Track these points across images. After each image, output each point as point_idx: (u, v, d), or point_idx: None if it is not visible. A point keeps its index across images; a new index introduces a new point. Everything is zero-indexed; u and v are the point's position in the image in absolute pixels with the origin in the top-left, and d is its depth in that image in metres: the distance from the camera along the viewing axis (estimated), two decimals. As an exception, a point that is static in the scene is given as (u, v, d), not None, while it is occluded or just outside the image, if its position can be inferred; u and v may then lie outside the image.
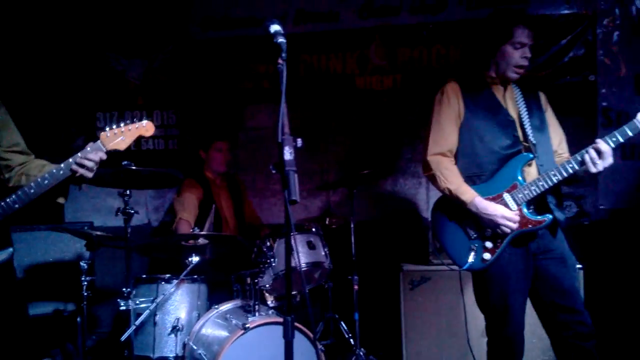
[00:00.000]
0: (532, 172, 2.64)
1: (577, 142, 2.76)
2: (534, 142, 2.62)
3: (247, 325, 3.03)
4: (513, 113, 2.69)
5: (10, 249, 2.40)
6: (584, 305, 2.65)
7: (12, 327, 2.36)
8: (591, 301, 3.45)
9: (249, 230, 4.21)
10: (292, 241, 3.41)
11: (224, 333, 3.17)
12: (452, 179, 2.68)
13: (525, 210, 2.59)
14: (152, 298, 3.33)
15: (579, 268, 3.47)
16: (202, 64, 4.67)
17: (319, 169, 4.56)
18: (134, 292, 3.30)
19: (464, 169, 2.71)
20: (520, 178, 2.61)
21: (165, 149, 4.73)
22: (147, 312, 3.23)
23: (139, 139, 4.58)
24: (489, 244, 2.63)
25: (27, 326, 2.46)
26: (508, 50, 2.63)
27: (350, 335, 3.82)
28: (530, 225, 2.58)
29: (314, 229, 3.66)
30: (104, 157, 2.43)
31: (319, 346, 3.20)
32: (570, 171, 2.52)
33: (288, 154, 1.74)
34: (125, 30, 4.70)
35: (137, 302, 3.26)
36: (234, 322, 3.19)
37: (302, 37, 4.46)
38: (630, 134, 2.47)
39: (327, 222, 3.98)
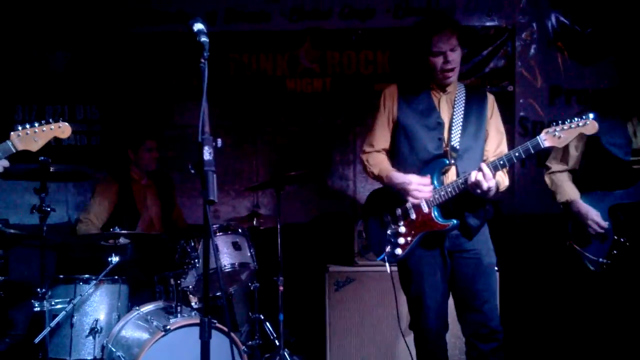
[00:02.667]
0: (451, 177, 2.72)
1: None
2: (457, 147, 2.69)
3: (167, 327, 2.98)
4: (445, 116, 2.75)
5: None
6: (493, 309, 2.74)
7: None
8: (505, 301, 3.63)
9: (175, 232, 4.13)
10: (217, 242, 3.48)
11: (144, 335, 3.10)
12: (376, 163, 2.84)
13: (434, 213, 2.69)
14: (69, 299, 3.22)
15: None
16: (129, 59, 4.54)
17: (248, 169, 4.55)
18: (49, 292, 3.18)
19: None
20: (435, 182, 2.70)
21: (88, 145, 4.58)
22: (62, 313, 3.12)
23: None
24: (401, 240, 2.73)
25: None
26: (431, 60, 2.71)
27: (275, 336, 3.83)
28: (435, 228, 2.68)
29: (240, 230, 3.64)
30: (7, 165, 2.32)
31: (242, 347, 3.19)
32: (463, 186, 2.61)
33: (207, 154, 1.73)
34: (49, 21, 4.50)
35: (53, 303, 3.14)
36: (154, 323, 3.13)
37: (233, 36, 4.43)
38: (513, 161, 2.56)
39: (254, 223, 3.97)
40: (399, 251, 2.73)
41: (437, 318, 2.76)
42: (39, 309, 3.02)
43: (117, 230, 3.35)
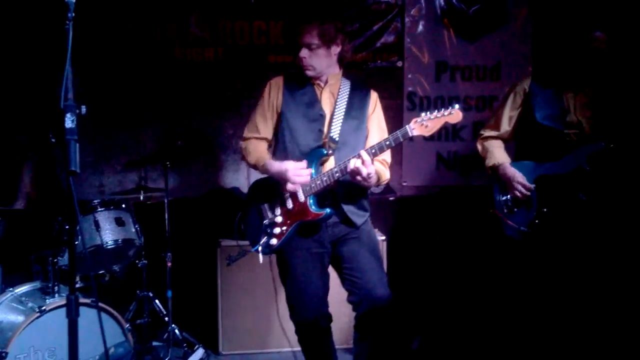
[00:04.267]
0: (329, 166, 2.74)
1: (388, 123, 2.93)
2: (336, 139, 2.73)
3: (43, 308, 2.84)
4: (327, 109, 2.79)
5: None
6: (377, 280, 2.76)
7: None
8: (393, 270, 3.77)
9: (54, 207, 3.88)
10: (99, 218, 3.32)
11: (18, 317, 2.93)
12: (253, 152, 2.84)
13: (310, 201, 2.70)
14: None
15: (382, 240, 3.76)
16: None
17: (135, 142, 4.34)
18: None
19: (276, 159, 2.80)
20: (313, 172, 2.71)
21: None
22: None
23: None
24: (277, 230, 2.75)
25: None
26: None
27: (164, 313, 3.74)
28: (310, 217, 2.70)
29: (123, 205, 3.49)
30: None
31: (126, 325, 3.09)
32: (338, 174, 2.65)
33: (69, 122, 1.60)
34: None
35: None
36: (29, 304, 2.97)
37: (120, 1, 4.18)
38: (384, 148, 2.61)
39: (141, 199, 3.82)
40: (274, 241, 2.74)
41: (315, 309, 2.76)
42: None
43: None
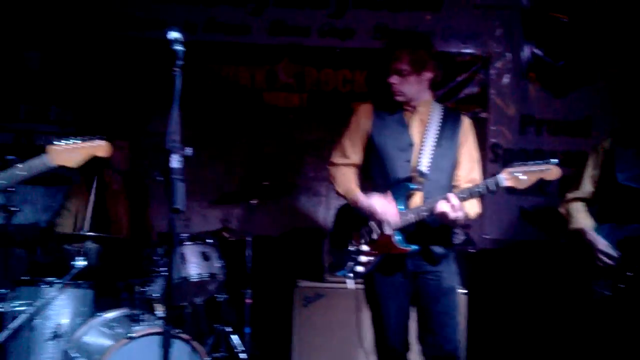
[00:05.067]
0: (417, 201, 2.71)
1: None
2: (425, 171, 2.68)
3: (131, 335, 2.96)
4: (416, 137, 2.75)
5: None
6: (451, 333, 2.72)
7: None
8: (474, 325, 3.69)
9: (144, 239, 4.10)
10: (186, 251, 3.47)
11: (107, 342, 3.07)
12: (343, 182, 2.83)
13: (396, 237, 2.68)
14: (30, 302, 3.17)
15: (464, 293, 3.69)
16: (107, 62, 4.53)
17: (220, 180, 4.55)
18: (11, 294, 3.12)
19: (362, 189, 2.82)
20: (400, 206, 2.68)
21: (61, 148, 4.52)
22: (23, 316, 3.07)
23: (31, 133, 4.47)
24: (363, 258, 2.74)
25: None
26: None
27: (242, 349, 3.81)
28: (395, 252, 2.69)
29: (209, 241, 3.64)
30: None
31: (207, 358, 3.18)
32: (425, 214, 2.62)
33: (175, 162, 1.74)
34: (25, 19, 4.48)
35: (14, 304, 3.09)
36: (118, 330, 3.11)
37: (212, 46, 4.46)
38: (481, 192, 2.57)
39: (225, 235, 3.97)
40: (360, 268, 2.75)
41: (397, 338, 2.77)
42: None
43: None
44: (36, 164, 2.25)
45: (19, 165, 2.23)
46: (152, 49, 4.48)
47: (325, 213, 4.49)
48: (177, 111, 1.84)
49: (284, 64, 4.51)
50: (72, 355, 3.12)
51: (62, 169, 3.07)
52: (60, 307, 3.29)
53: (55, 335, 3.20)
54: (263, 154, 4.53)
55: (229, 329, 3.85)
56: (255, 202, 3.85)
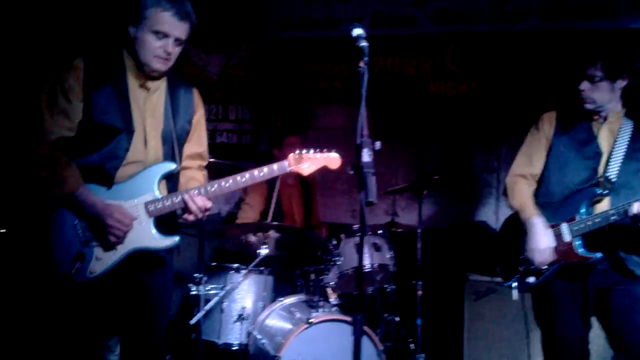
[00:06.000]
0: (603, 208, 2.56)
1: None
2: (613, 180, 2.55)
3: (310, 320, 3.10)
4: (604, 147, 2.62)
5: (177, 238, 2.39)
6: None
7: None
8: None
9: (313, 229, 4.28)
10: (358, 242, 3.54)
11: (287, 325, 3.25)
12: (519, 197, 2.75)
13: (576, 242, 2.56)
14: (221, 286, 3.46)
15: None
16: (278, 62, 4.79)
17: (387, 172, 4.58)
18: (205, 279, 3.41)
19: (538, 195, 2.73)
20: (582, 211, 2.57)
21: (238, 144, 4.88)
22: (216, 298, 3.36)
23: (214, 131, 4.87)
24: (534, 268, 2.65)
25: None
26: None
27: (410, 339, 3.82)
28: (575, 260, 2.55)
29: (380, 231, 3.69)
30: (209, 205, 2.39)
31: (380, 347, 3.23)
32: (614, 217, 2.45)
33: (367, 156, 1.78)
34: (206, 26, 4.85)
35: (208, 288, 3.39)
36: (297, 315, 3.27)
37: (378, 40, 4.49)
38: None
39: (391, 227, 4.00)
40: (531, 279, 2.65)
41: (574, 354, 2.60)
42: (195, 292, 3.26)
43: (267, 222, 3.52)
44: (276, 168, 2.48)
45: (264, 168, 2.44)
46: (318, 47, 4.65)
47: (496, 204, 4.33)
48: (365, 106, 1.86)
49: (450, 52, 4.42)
50: (256, 335, 3.36)
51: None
52: (245, 292, 3.57)
53: (241, 317, 3.47)
54: (430, 145, 4.48)
55: (398, 319, 3.88)
56: (425, 193, 3.82)
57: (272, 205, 3.82)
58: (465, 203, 4.45)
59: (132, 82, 2.35)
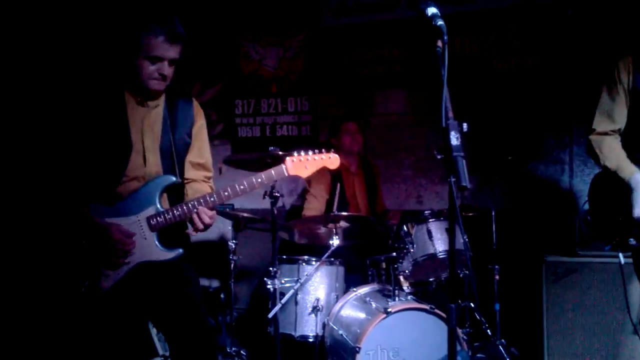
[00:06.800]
0: None
1: None
2: None
3: (388, 310, 3.06)
4: None
5: (180, 250, 2.45)
6: None
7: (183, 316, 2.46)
8: None
9: (378, 217, 4.21)
10: (431, 228, 3.47)
11: (364, 316, 3.22)
12: (613, 156, 2.64)
13: None
14: (294, 278, 3.46)
15: None
16: (334, 51, 4.73)
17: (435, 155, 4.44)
18: (279, 272, 3.41)
19: (628, 149, 2.62)
20: None
21: (299, 135, 4.86)
22: (291, 291, 3.35)
23: (274, 125, 4.87)
24: (638, 230, 2.54)
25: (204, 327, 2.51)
26: None
27: (487, 325, 3.73)
28: None
29: (452, 216, 3.58)
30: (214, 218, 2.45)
31: (461, 334, 3.16)
32: None
33: (454, 139, 1.71)
34: (260, 19, 4.86)
35: (283, 281, 3.39)
36: (374, 305, 3.23)
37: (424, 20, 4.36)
38: None
39: (462, 211, 3.89)
40: (632, 241, 2.55)
41: None
42: (271, 286, 3.25)
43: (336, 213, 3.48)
44: (275, 174, 2.49)
45: (262, 175, 2.47)
46: (373, 32, 4.56)
47: (569, 182, 4.15)
48: (447, 89, 1.79)
49: (512, 26, 4.24)
50: (333, 326, 3.34)
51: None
52: (318, 283, 3.56)
53: (315, 309, 3.46)
54: (497, 123, 4.32)
55: (474, 306, 3.79)
56: (496, 176, 3.70)
57: (337, 195, 3.79)
58: (537, 182, 4.28)
59: (130, 101, 2.46)
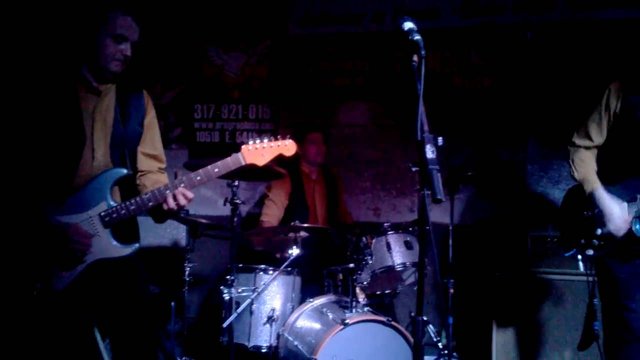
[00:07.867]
0: None
1: None
2: None
3: (346, 321, 3.04)
4: None
5: (137, 245, 2.37)
6: None
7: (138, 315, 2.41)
8: None
9: (340, 227, 4.21)
10: (390, 240, 3.49)
11: (320, 326, 3.19)
12: (581, 169, 2.80)
13: (636, 226, 2.60)
14: (251, 287, 3.40)
15: None
16: (298, 60, 4.71)
17: (409, 169, 4.49)
18: (236, 281, 3.34)
19: (601, 169, 2.77)
20: None
21: (259, 143, 4.78)
22: (247, 300, 3.29)
23: (234, 131, 4.80)
24: (596, 242, 2.69)
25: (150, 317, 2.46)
26: None
27: (438, 339, 3.76)
28: (636, 244, 2.61)
29: (411, 229, 3.63)
30: (191, 197, 2.36)
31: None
32: None
33: (430, 152, 1.72)
34: (225, 25, 4.80)
35: (240, 290, 3.32)
36: (330, 316, 3.21)
37: (400, 35, 4.42)
38: None
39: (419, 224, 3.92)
40: (590, 252, 2.70)
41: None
42: (227, 295, 3.18)
43: (297, 223, 3.45)
44: (231, 162, 2.41)
45: (218, 164, 2.39)
46: (342, 44, 4.58)
47: (523, 199, 4.26)
48: (422, 102, 1.80)
49: (475, 45, 4.35)
50: (287, 337, 3.29)
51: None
52: (274, 293, 3.51)
53: (270, 319, 3.41)
54: (455, 140, 4.40)
55: (426, 319, 3.81)
56: (458, 191, 3.76)
57: (297, 204, 3.78)
58: (491, 199, 4.37)
59: (81, 89, 2.33)
